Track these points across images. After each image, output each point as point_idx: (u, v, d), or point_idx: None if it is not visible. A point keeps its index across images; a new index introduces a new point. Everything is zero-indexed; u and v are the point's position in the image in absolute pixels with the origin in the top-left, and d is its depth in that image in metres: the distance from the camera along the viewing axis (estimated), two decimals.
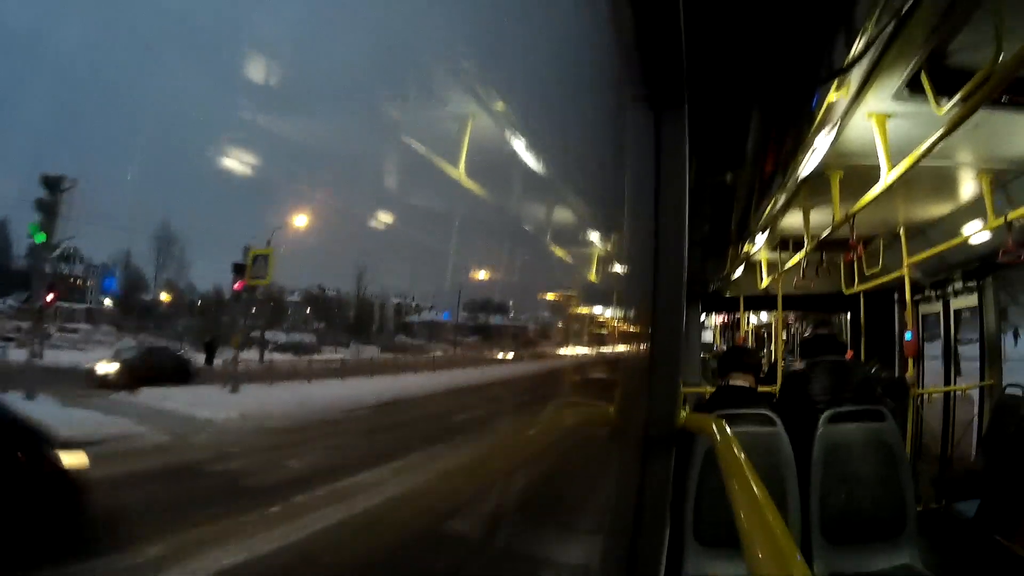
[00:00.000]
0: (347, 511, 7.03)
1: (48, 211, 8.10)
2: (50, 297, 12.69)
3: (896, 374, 10.80)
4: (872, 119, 4.79)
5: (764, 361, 17.58)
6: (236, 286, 12.70)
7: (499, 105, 3.87)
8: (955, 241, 7.48)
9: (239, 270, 11.86)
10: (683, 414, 3.25)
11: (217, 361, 14.11)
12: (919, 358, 9.91)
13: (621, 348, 3.65)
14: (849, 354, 8.05)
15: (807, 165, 5.05)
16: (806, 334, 6.40)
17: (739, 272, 11.76)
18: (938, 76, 4.03)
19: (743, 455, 2.18)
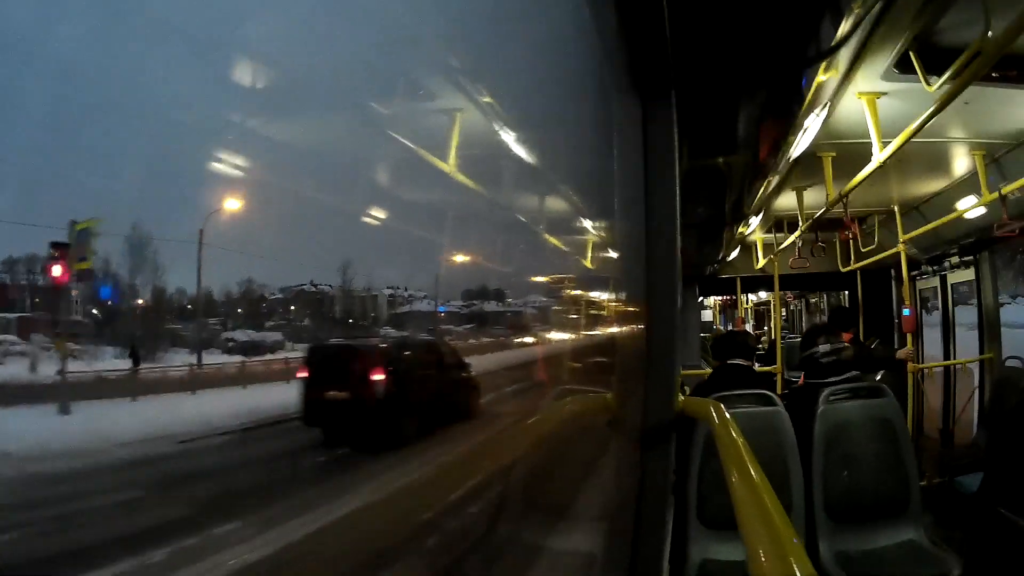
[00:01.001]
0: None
1: None
2: None
3: (895, 348, 10.87)
4: (862, 99, 4.79)
5: (764, 339, 17.60)
6: (56, 272, 9.19)
7: (487, 97, 3.87)
8: (950, 217, 7.49)
9: (59, 250, 8.63)
10: (682, 398, 3.26)
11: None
12: (917, 333, 9.94)
13: (617, 335, 3.65)
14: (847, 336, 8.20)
15: (798, 146, 5.05)
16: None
17: (735, 254, 11.78)
18: (927, 55, 4.03)
19: (741, 439, 2.19)
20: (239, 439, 10.38)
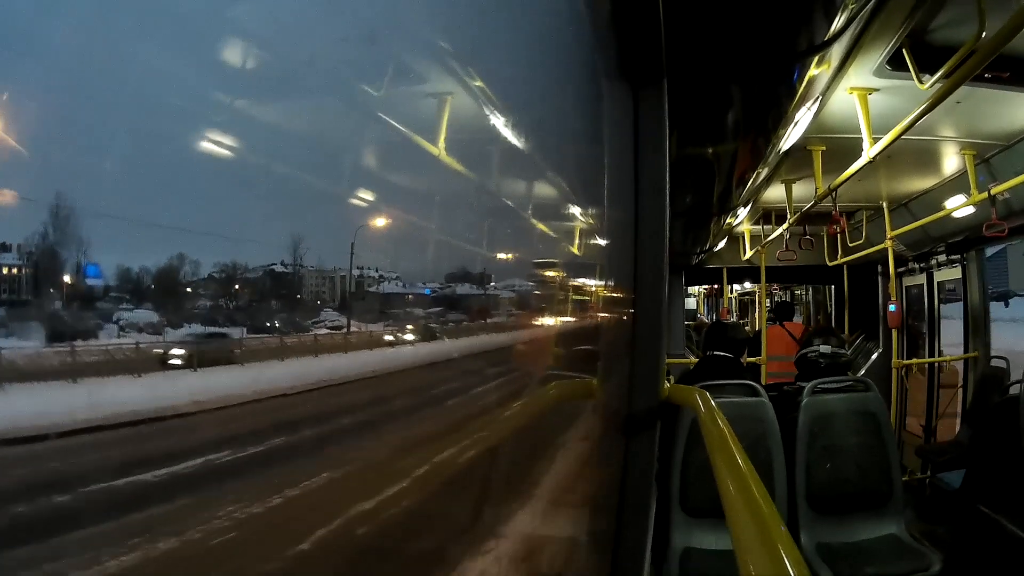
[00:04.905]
0: None
1: None
2: None
3: (879, 345, 10.95)
4: (854, 94, 4.79)
5: (748, 330, 17.66)
6: None
7: (476, 83, 3.84)
8: (938, 215, 7.51)
9: None
10: (667, 386, 3.26)
11: None
12: (902, 329, 9.98)
13: (604, 322, 3.65)
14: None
15: (788, 139, 5.03)
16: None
17: (722, 244, 11.76)
18: (920, 52, 4.03)
19: (727, 427, 2.19)
20: None
